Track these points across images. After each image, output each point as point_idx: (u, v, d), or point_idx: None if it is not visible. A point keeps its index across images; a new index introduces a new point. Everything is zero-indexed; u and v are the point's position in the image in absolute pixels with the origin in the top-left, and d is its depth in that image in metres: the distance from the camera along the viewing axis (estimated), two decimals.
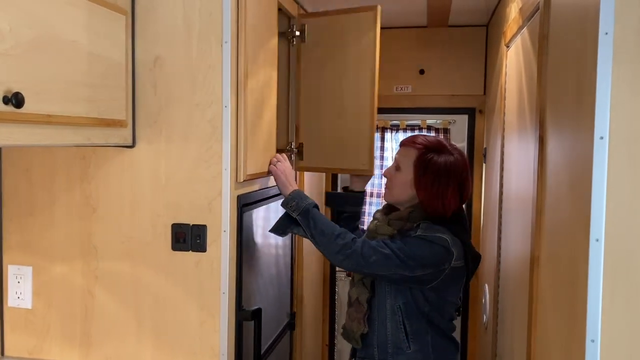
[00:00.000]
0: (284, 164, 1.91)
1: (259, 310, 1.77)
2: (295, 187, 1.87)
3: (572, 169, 1.13)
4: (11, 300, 1.77)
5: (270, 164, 1.91)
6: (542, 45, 1.45)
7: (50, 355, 1.76)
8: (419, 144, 1.79)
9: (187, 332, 1.67)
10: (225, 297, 1.64)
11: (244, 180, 1.71)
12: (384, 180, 1.91)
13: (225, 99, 1.61)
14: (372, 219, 1.94)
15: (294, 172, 1.98)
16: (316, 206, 1.83)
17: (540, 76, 1.46)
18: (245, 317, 1.73)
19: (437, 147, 1.78)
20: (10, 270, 1.77)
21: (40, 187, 1.73)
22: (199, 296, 1.66)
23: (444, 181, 1.74)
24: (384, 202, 1.96)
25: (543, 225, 1.42)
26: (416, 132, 3.34)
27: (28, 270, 1.76)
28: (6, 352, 1.78)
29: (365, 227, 2.08)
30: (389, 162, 3.32)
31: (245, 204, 1.76)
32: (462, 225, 1.81)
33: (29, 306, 1.76)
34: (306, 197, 1.84)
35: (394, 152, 1.99)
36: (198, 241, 1.64)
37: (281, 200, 1.88)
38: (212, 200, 1.63)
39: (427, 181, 1.75)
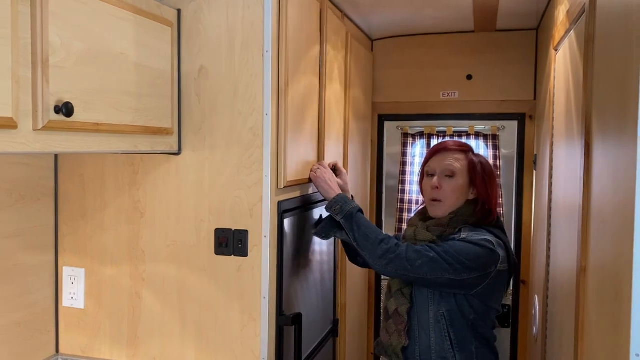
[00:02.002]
0: (324, 170, 1.92)
1: (299, 316, 1.79)
2: (338, 191, 1.88)
3: (616, 176, 1.09)
4: (66, 300, 1.86)
5: (310, 172, 1.93)
6: (588, 48, 1.40)
7: (100, 354, 1.84)
8: (463, 148, 1.83)
9: (229, 335, 1.71)
10: (265, 301, 1.67)
11: (285, 187, 1.73)
12: (428, 194, 1.84)
13: (267, 107, 1.64)
14: (407, 226, 1.91)
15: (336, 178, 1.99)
16: (360, 210, 1.82)
17: (587, 80, 1.42)
18: (286, 322, 1.75)
19: (472, 149, 1.87)
20: (65, 272, 1.86)
21: (92, 193, 1.82)
22: (241, 300, 1.69)
23: (493, 179, 1.82)
24: (418, 210, 1.96)
25: (589, 234, 1.37)
26: (464, 139, 3.29)
27: (81, 272, 1.84)
28: (61, 350, 1.87)
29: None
30: None
31: (286, 210, 1.78)
32: (502, 229, 1.81)
33: (82, 306, 1.85)
34: (351, 201, 1.84)
35: (422, 161, 1.97)
36: (240, 246, 1.68)
37: (324, 205, 1.89)
38: (253, 206, 1.67)
39: (488, 179, 1.79)
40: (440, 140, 3.30)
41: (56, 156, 1.83)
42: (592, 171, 1.35)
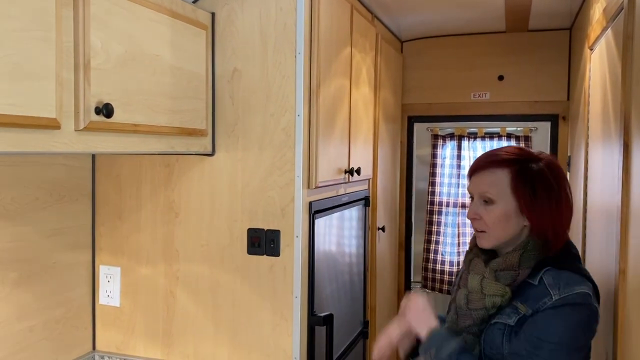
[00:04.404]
0: (417, 299, 1.45)
1: (330, 316, 1.79)
2: (433, 323, 1.39)
3: None
4: (102, 299, 1.90)
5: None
6: (626, 46, 1.37)
7: (135, 351, 1.87)
8: (505, 160, 1.33)
9: (261, 334, 1.72)
10: (297, 301, 1.68)
11: (316, 187, 1.74)
12: (467, 221, 1.48)
13: (298, 108, 1.66)
14: (465, 268, 1.41)
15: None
16: (463, 348, 1.32)
17: (625, 78, 1.39)
18: (317, 322, 1.76)
19: (527, 155, 1.34)
20: (102, 270, 1.90)
21: (128, 193, 1.86)
22: (273, 299, 1.70)
23: (555, 195, 1.30)
24: (471, 244, 1.45)
25: (629, 235, 1.34)
26: (495, 141, 3.24)
27: (117, 271, 1.88)
28: (97, 347, 1.91)
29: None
30: (466, 172, 3.07)
31: (317, 211, 1.79)
32: (578, 254, 1.36)
33: (118, 304, 1.89)
34: (448, 339, 1.33)
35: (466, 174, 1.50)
36: (272, 246, 1.69)
37: (354, 208, 1.89)
38: (285, 206, 1.68)
39: (542, 200, 1.29)
40: (470, 143, 3.27)
41: (93, 157, 1.88)
42: (631, 171, 1.32)
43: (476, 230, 1.37)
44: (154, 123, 1.41)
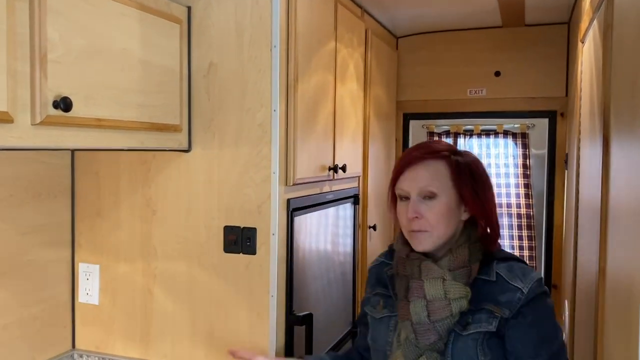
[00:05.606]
0: None
1: (309, 316, 1.76)
2: None
3: (630, 173, 1.02)
4: (82, 296, 1.88)
5: None
6: (606, 36, 1.32)
7: (114, 350, 1.85)
8: (439, 151, 1.27)
9: (238, 333, 1.69)
10: (273, 300, 1.65)
11: (295, 184, 1.71)
12: (411, 223, 1.24)
13: (274, 102, 1.62)
14: (411, 276, 1.24)
15: None
16: None
17: (605, 70, 1.34)
18: (295, 321, 1.72)
19: (452, 148, 1.31)
20: (81, 268, 1.88)
21: (107, 190, 1.83)
22: (249, 298, 1.67)
23: (489, 185, 1.30)
24: (405, 251, 1.29)
25: (608, 234, 1.29)
26: (492, 138, 3.19)
27: (96, 269, 1.86)
28: (77, 345, 1.90)
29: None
30: None
31: (296, 208, 1.76)
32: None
33: (97, 302, 1.87)
34: None
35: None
36: (248, 244, 1.66)
37: (341, 206, 1.85)
38: (261, 203, 1.65)
39: (481, 188, 1.26)
40: (466, 140, 3.22)
41: (72, 154, 1.86)
42: (610, 166, 1.27)
43: (414, 232, 1.24)
44: (121, 118, 1.38)
